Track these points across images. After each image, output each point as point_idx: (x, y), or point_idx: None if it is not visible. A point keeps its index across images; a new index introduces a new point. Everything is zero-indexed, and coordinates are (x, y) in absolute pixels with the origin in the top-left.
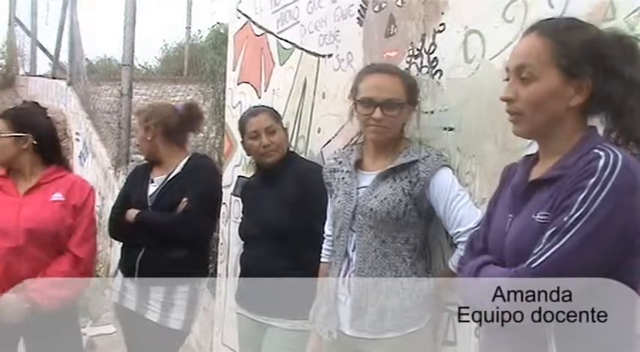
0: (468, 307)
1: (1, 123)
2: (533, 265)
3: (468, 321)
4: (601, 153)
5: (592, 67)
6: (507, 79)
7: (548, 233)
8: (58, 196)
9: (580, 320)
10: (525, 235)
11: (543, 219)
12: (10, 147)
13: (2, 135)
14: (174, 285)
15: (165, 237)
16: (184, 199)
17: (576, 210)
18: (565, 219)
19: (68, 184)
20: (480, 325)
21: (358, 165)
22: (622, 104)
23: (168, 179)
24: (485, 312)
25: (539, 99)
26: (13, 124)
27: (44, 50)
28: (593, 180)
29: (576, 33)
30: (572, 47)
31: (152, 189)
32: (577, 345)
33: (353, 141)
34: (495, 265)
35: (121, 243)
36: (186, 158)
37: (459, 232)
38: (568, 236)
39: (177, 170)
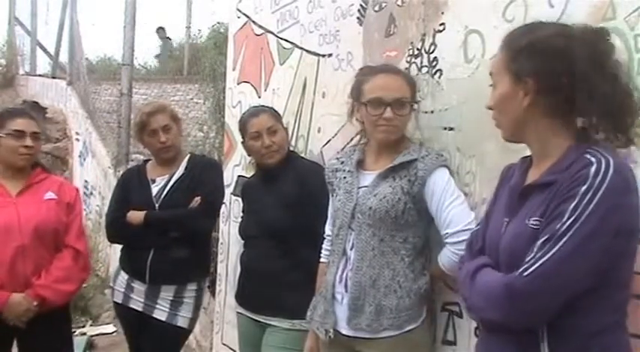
0: (468, 307)
1: None
2: (526, 273)
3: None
4: (592, 159)
5: (538, 66)
6: None
7: (540, 241)
8: (50, 195)
9: (572, 320)
10: (519, 240)
11: (536, 225)
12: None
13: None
14: (184, 284)
15: (173, 236)
16: (197, 198)
17: (568, 218)
18: (557, 226)
19: (56, 184)
20: (478, 325)
21: (360, 164)
22: (577, 103)
23: (175, 179)
24: (481, 313)
25: (498, 103)
26: None
27: (44, 50)
28: (584, 187)
29: (526, 36)
30: (519, 50)
31: (155, 189)
32: (569, 345)
33: (352, 141)
34: (491, 268)
35: (122, 245)
36: (187, 158)
37: (447, 233)
38: (560, 244)
39: (181, 170)
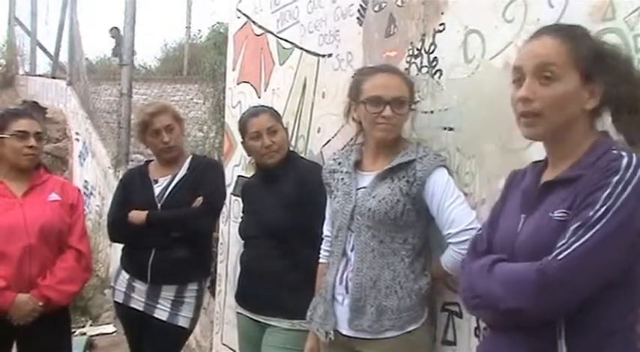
0: (476, 305)
1: None
2: (559, 257)
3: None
4: (622, 153)
5: (604, 72)
6: (517, 80)
7: (573, 227)
8: (54, 196)
9: (592, 316)
10: (542, 232)
11: (562, 217)
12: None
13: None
14: (185, 284)
15: (175, 236)
16: (199, 198)
17: (601, 206)
18: (590, 213)
19: (59, 185)
20: (479, 324)
21: (357, 165)
22: (630, 107)
23: (178, 179)
24: (500, 303)
25: (561, 100)
26: None
27: (44, 50)
28: (617, 177)
29: (588, 39)
30: (588, 52)
31: (157, 190)
32: (588, 342)
33: (352, 141)
34: (507, 262)
35: (123, 244)
36: (189, 158)
37: (450, 233)
38: (594, 230)
39: (184, 170)
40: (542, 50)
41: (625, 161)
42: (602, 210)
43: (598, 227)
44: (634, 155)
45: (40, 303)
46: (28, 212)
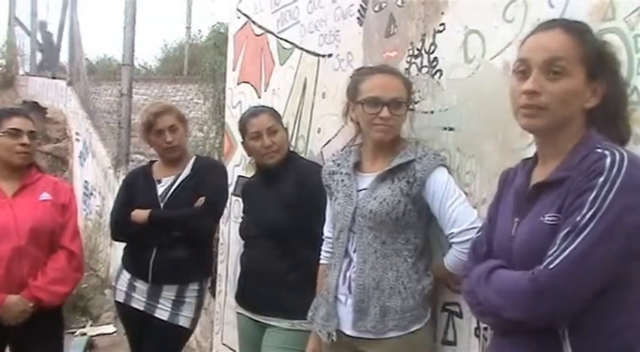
0: (481, 311)
1: None
2: (551, 266)
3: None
4: (606, 151)
5: (605, 72)
6: (521, 72)
7: (563, 233)
8: (46, 196)
9: (594, 317)
10: (535, 237)
11: (553, 221)
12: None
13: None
14: (186, 283)
15: (176, 236)
16: (201, 198)
17: (588, 209)
18: (578, 218)
19: (51, 184)
20: (482, 328)
21: (357, 167)
22: (620, 109)
23: (181, 179)
24: (500, 312)
25: (567, 95)
26: None
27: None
28: (602, 178)
29: (594, 37)
30: (594, 50)
31: (160, 190)
32: (592, 344)
33: (352, 142)
34: (505, 269)
35: (124, 244)
36: (193, 159)
37: (452, 233)
38: (583, 235)
39: (187, 171)
40: (553, 44)
41: (609, 160)
42: (590, 213)
43: (587, 231)
44: (616, 152)
45: (31, 304)
46: (18, 212)
